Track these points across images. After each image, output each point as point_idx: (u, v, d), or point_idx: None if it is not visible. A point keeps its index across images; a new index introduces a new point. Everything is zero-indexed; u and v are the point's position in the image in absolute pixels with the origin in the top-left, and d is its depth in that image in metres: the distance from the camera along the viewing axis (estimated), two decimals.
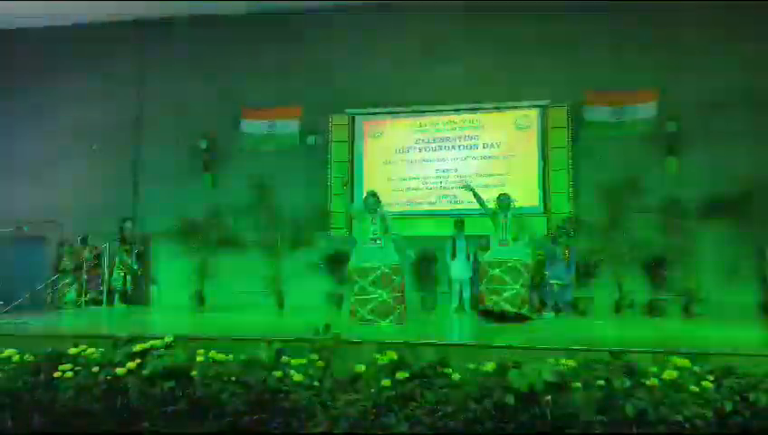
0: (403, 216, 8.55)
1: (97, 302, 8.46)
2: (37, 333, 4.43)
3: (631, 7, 8.76)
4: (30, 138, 10.17)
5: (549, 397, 2.98)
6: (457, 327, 6.09)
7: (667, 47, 8.59)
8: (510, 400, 2.97)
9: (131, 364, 3.45)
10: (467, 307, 7.74)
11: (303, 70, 9.54)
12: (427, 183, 9.28)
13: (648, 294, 8.08)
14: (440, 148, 9.34)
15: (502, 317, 5.85)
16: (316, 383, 3.24)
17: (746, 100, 8.20)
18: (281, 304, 8.84)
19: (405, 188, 9.27)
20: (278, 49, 9.67)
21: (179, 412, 3.23)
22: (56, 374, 3.47)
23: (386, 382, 3.19)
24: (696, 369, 3.19)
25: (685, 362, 3.21)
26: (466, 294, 7.84)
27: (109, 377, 3.40)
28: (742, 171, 7.91)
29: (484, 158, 9.19)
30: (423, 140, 9.40)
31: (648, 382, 3.06)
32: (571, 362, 3.26)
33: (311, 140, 9.45)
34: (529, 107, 9.12)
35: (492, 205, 6.39)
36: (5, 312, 6.69)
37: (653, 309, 7.94)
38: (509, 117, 9.21)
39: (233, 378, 3.32)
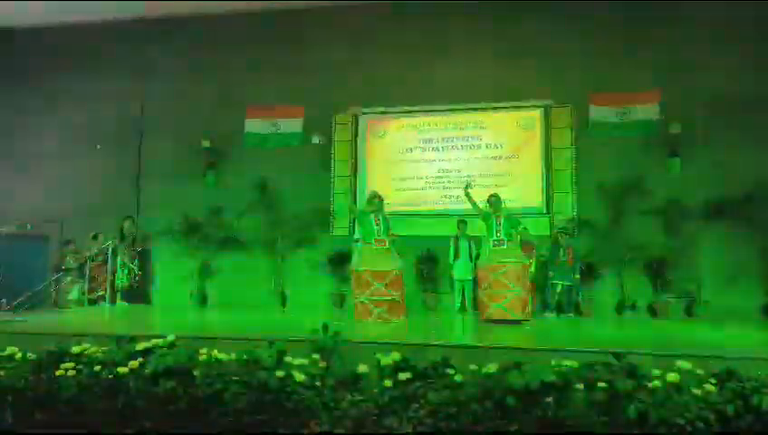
0: (405, 216, 8.56)
1: (99, 300, 8.46)
2: (39, 331, 4.44)
3: (635, 8, 8.75)
4: (33, 137, 10.20)
5: (551, 398, 2.97)
6: (459, 328, 6.08)
7: (671, 48, 8.57)
8: (512, 401, 2.97)
9: (133, 363, 3.46)
10: (470, 308, 7.73)
11: (307, 69, 9.54)
12: (429, 183, 9.27)
13: (649, 296, 8.07)
14: (443, 148, 9.33)
15: (502, 322, 5.86)
16: (318, 383, 3.24)
17: (750, 101, 8.18)
18: (283, 304, 8.86)
19: (408, 188, 9.26)
20: (281, 48, 9.67)
21: (181, 412, 3.24)
22: (58, 372, 3.48)
23: (388, 383, 3.20)
24: (699, 371, 3.19)
25: (687, 365, 3.21)
26: (469, 295, 7.83)
27: (111, 376, 3.41)
28: (745, 173, 7.90)
29: (487, 158, 9.18)
30: (426, 140, 9.39)
31: (650, 384, 3.05)
32: (573, 364, 3.25)
33: (314, 139, 9.46)
34: (532, 107, 9.11)
35: (484, 206, 6.38)
36: (7, 310, 6.70)
37: (655, 310, 7.94)
38: (512, 117, 9.20)
39: (235, 377, 3.32)
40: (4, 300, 7.16)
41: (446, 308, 8.14)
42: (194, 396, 3.27)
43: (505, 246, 6.05)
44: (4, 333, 4.34)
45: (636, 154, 8.43)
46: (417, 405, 2.99)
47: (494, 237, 6.14)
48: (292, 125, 9.62)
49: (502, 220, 6.15)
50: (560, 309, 7.33)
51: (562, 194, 8.82)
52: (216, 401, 3.23)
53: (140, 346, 3.64)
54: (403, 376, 3.23)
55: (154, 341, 3.71)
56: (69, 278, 8.60)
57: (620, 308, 8.08)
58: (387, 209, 6.35)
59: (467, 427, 2.92)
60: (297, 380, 3.25)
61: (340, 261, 8.74)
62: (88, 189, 9.72)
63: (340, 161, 9.49)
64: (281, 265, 9.02)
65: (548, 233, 8.52)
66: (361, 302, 5.80)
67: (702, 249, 7.95)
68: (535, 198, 8.90)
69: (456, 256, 7.98)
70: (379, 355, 3.44)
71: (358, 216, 6.10)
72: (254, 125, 9.68)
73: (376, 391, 3.16)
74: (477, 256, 7.67)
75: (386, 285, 5.72)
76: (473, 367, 3.29)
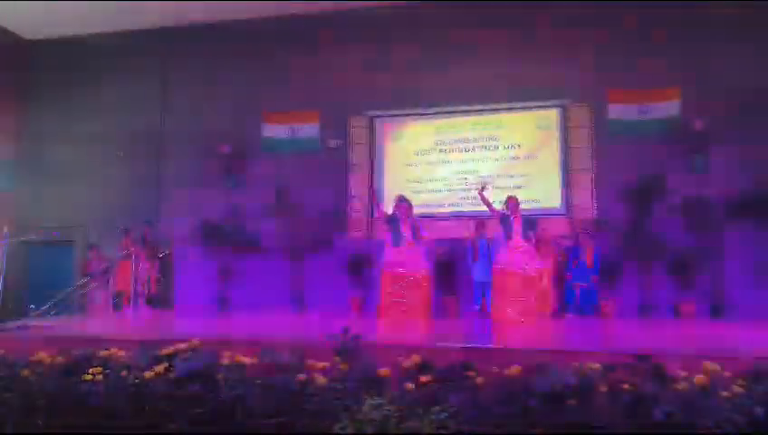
0: (423, 218, 8.54)
1: (123, 305, 8.62)
2: (67, 335, 4.53)
3: (655, 4, 8.62)
4: (57, 146, 10.41)
5: (574, 401, 2.94)
6: (480, 329, 6.06)
7: (690, 44, 8.43)
8: (534, 403, 2.94)
9: (159, 367, 3.51)
10: (489, 309, 7.68)
11: (322, 73, 9.61)
12: (447, 185, 9.25)
13: (673, 296, 7.93)
14: (460, 149, 9.30)
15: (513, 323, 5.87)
16: (339, 386, 3.25)
17: None
18: (301, 306, 8.91)
19: (425, 190, 9.25)
20: (297, 52, 9.75)
21: (205, 415, 3.28)
22: (86, 377, 3.55)
23: (409, 386, 3.19)
24: (727, 373, 3.12)
25: (714, 366, 3.15)
26: (488, 297, 7.78)
27: (137, 380, 3.46)
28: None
29: (505, 159, 9.13)
30: (443, 142, 9.38)
31: (676, 386, 3.00)
32: (597, 366, 3.21)
33: (330, 143, 9.51)
34: (550, 106, 9.03)
35: (500, 207, 6.38)
36: (36, 315, 6.86)
37: (679, 311, 7.80)
38: (530, 117, 9.13)
39: (257, 381, 3.35)
40: (32, 306, 7.33)
41: (465, 310, 8.10)
42: (217, 399, 3.31)
43: (522, 249, 6.04)
44: (34, 337, 4.44)
45: (657, 152, 8.29)
46: (438, 408, 2.98)
47: (511, 240, 6.13)
48: (309, 130, 9.69)
49: (520, 221, 6.14)
50: (580, 310, 7.25)
51: (581, 193, 8.72)
52: (239, 404, 3.26)
53: (165, 351, 3.69)
54: (424, 378, 3.23)
55: (178, 345, 3.77)
56: (93, 283, 8.77)
57: (643, 309, 7.96)
58: None
59: (490, 430, 2.90)
60: (318, 383, 3.27)
61: (357, 264, 8.77)
62: (111, 196, 9.91)
63: (356, 164, 9.52)
64: (299, 267, 9.08)
65: (567, 233, 8.44)
66: (388, 302, 5.88)
67: (727, 248, 7.79)
68: (554, 199, 8.83)
69: (475, 258, 7.96)
70: (399, 358, 3.45)
71: (387, 219, 6.19)
72: (271, 130, 9.78)
73: (397, 393, 3.16)
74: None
75: (412, 286, 5.80)
76: (495, 369, 3.28)
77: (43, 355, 3.82)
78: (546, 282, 7.14)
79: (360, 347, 3.57)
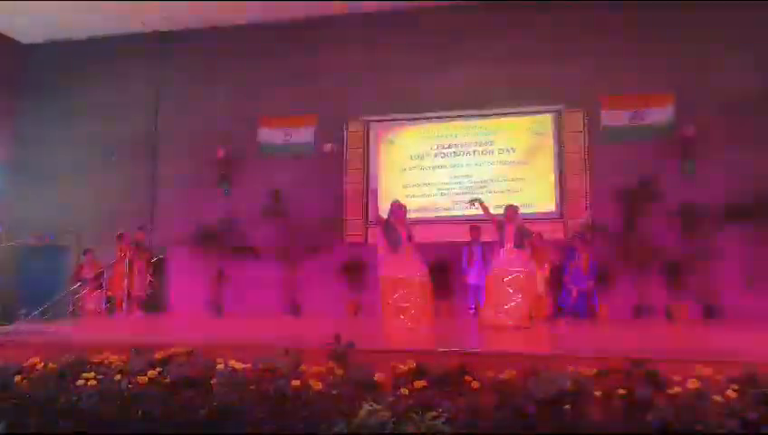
0: (418, 222, 8.55)
1: (116, 310, 8.57)
2: (60, 341, 4.50)
3: (647, 10, 8.69)
4: (50, 149, 10.37)
5: (568, 406, 2.95)
6: (475, 334, 6.06)
7: (684, 50, 8.50)
8: (529, 408, 2.95)
9: (152, 372, 3.49)
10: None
11: (318, 77, 9.62)
12: (442, 189, 9.27)
13: (667, 300, 7.98)
14: (455, 154, 9.33)
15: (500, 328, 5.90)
16: (335, 392, 3.24)
17: (764, 99, 8.09)
18: (296, 311, 8.89)
19: (420, 195, 9.26)
20: (294, 57, 9.76)
21: (200, 420, 3.26)
22: (79, 382, 3.52)
23: (404, 391, 3.19)
24: (719, 377, 3.14)
25: (707, 370, 3.16)
26: (482, 301, 7.78)
27: (130, 385, 3.44)
28: (761, 173, 7.80)
29: (500, 163, 9.16)
30: (438, 147, 9.40)
31: (670, 391, 3.01)
32: (591, 371, 3.22)
33: (326, 147, 9.50)
34: (544, 112, 9.08)
35: (496, 213, 6.45)
36: (27, 320, 6.81)
37: (672, 314, 7.84)
38: (524, 122, 9.17)
39: (252, 386, 3.34)
40: (24, 310, 7.28)
41: (459, 314, 8.10)
42: (211, 405, 3.29)
43: (514, 255, 6.11)
44: (27, 343, 4.41)
45: (650, 157, 8.35)
46: (434, 413, 2.98)
47: (504, 245, 6.21)
48: (305, 134, 9.69)
49: (514, 228, 6.21)
50: (575, 314, 7.27)
51: (576, 198, 8.76)
52: (233, 409, 3.25)
53: (159, 356, 3.67)
54: (419, 384, 3.23)
55: (172, 350, 3.75)
56: (86, 288, 8.72)
57: (637, 312, 7.99)
58: None
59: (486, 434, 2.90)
60: (313, 388, 3.26)
61: (353, 268, 8.77)
62: (105, 200, 9.87)
63: (352, 169, 9.53)
64: (294, 272, 9.06)
65: (562, 238, 8.48)
66: (388, 308, 5.90)
67: (719, 251, 7.84)
68: (548, 203, 8.86)
69: (470, 262, 7.97)
70: (394, 363, 3.44)
71: (384, 225, 6.23)
72: (266, 135, 9.78)
73: (392, 399, 3.15)
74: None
75: (411, 291, 5.83)
76: (490, 374, 3.28)
77: (35, 360, 3.79)
78: (542, 286, 7.16)
79: (355, 352, 3.57)
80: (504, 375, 3.21)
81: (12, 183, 10.29)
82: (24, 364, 3.76)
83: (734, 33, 8.37)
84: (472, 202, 6.47)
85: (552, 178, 8.94)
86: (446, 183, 9.27)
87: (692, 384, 3.03)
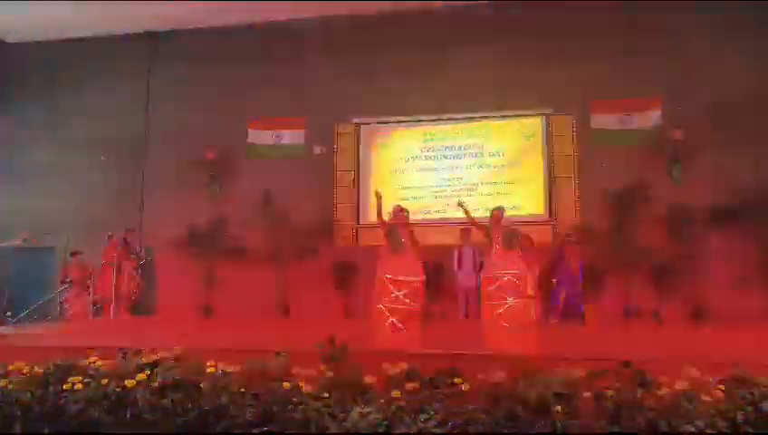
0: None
1: (104, 312, 8.49)
2: (46, 344, 4.44)
3: (634, 14, 8.79)
4: (37, 150, 10.26)
5: (559, 407, 2.96)
6: (466, 337, 6.07)
7: (671, 53, 8.62)
8: (520, 410, 2.96)
9: (141, 376, 3.45)
10: (474, 316, 7.71)
11: (308, 80, 9.61)
12: (432, 192, 9.29)
13: (655, 302, 8.05)
14: (446, 156, 9.36)
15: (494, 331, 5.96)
16: (325, 395, 3.23)
17: (751, 104, 8.21)
18: (287, 314, 8.85)
19: (411, 197, 9.26)
20: (285, 60, 9.74)
21: (189, 424, 3.23)
22: (66, 386, 3.47)
23: (396, 393, 3.18)
24: (707, 378, 3.17)
25: (695, 371, 3.19)
26: (473, 303, 7.81)
27: (118, 389, 3.40)
28: (748, 177, 7.90)
29: (490, 166, 9.20)
30: (429, 149, 9.43)
31: (659, 392, 3.03)
32: (581, 372, 3.24)
33: (316, 149, 9.51)
34: (534, 115, 9.14)
35: (483, 216, 6.52)
36: (13, 323, 6.72)
37: (660, 316, 7.92)
38: (514, 125, 9.23)
39: (242, 389, 3.31)
40: (9, 313, 7.18)
41: (450, 317, 8.11)
42: (201, 408, 3.26)
43: (503, 258, 6.17)
44: (12, 346, 4.34)
45: (639, 161, 8.44)
46: (425, 416, 2.98)
47: (494, 250, 6.26)
48: (295, 136, 9.67)
49: (502, 231, 6.27)
50: (564, 316, 7.31)
51: (565, 201, 8.82)
52: (224, 413, 3.22)
53: (147, 359, 3.63)
54: (410, 386, 3.23)
55: (160, 353, 3.71)
56: (74, 290, 8.62)
57: (626, 314, 8.05)
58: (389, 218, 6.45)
59: None
60: (304, 391, 3.25)
61: (343, 271, 8.75)
62: (92, 202, 9.77)
63: (342, 171, 9.51)
64: (284, 274, 9.02)
65: (551, 240, 8.54)
66: (379, 308, 5.95)
67: (707, 254, 7.93)
68: (538, 206, 8.91)
69: (460, 264, 7.98)
70: (385, 365, 3.44)
71: (386, 227, 6.31)
72: (256, 136, 9.74)
73: (383, 401, 3.15)
74: (481, 265, 7.69)
75: (405, 293, 5.89)
76: (480, 376, 3.28)
77: (20, 364, 3.74)
78: (531, 289, 7.20)
79: (346, 355, 3.55)
80: (495, 377, 3.21)
81: None
82: (9, 368, 3.71)
83: (721, 36, 8.49)
84: (460, 204, 6.55)
85: (541, 181, 8.99)
86: (437, 186, 9.29)
87: (680, 385, 3.06)
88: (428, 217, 9.12)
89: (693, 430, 2.84)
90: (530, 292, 7.03)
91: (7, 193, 10.15)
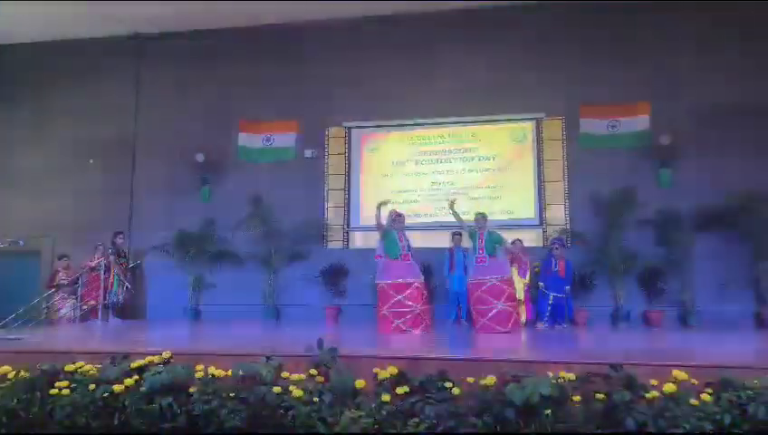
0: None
1: (92, 316, 8.39)
2: (33, 349, 4.38)
3: (623, 19, 8.88)
4: (24, 152, 10.15)
5: (548, 411, 2.98)
6: (456, 340, 6.08)
7: (659, 59, 8.72)
8: (510, 414, 2.97)
9: (129, 381, 3.43)
10: (465, 320, 7.73)
11: (300, 83, 9.60)
12: (423, 196, 9.31)
13: (643, 306, 8.11)
14: (437, 160, 9.38)
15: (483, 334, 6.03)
16: (316, 399, 3.22)
17: (738, 110, 8.32)
18: (277, 318, 8.82)
19: (402, 201, 9.27)
20: (276, 63, 9.72)
21: (178, 429, 3.21)
22: (53, 391, 3.44)
23: (386, 397, 3.19)
24: (695, 381, 3.20)
25: (683, 375, 3.22)
26: (464, 307, 7.82)
27: (106, 394, 3.37)
28: (735, 182, 8.00)
29: (480, 170, 9.23)
30: (419, 153, 9.45)
31: (647, 395, 3.06)
32: (570, 376, 3.26)
33: (307, 153, 9.49)
34: (524, 120, 9.19)
35: (469, 220, 6.75)
36: (0, 327, 6.63)
37: (649, 320, 7.98)
38: (505, 130, 9.27)
39: (231, 394, 3.30)
40: None
41: (441, 320, 8.11)
42: (190, 413, 3.24)
43: (487, 263, 6.28)
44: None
45: (627, 165, 8.52)
46: (416, 420, 2.98)
47: (477, 254, 6.31)
48: (286, 139, 9.65)
49: (484, 236, 6.36)
50: (553, 320, 7.34)
51: (555, 205, 8.88)
52: (213, 417, 3.20)
53: (135, 363, 3.61)
54: (401, 390, 3.23)
55: (149, 358, 3.68)
56: (61, 294, 8.52)
57: (615, 318, 8.11)
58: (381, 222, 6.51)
59: None
60: (295, 395, 3.24)
61: (333, 274, 8.73)
62: (81, 205, 9.67)
63: (333, 175, 9.51)
64: (274, 278, 8.99)
65: (541, 244, 8.59)
66: (384, 314, 6.02)
67: (694, 258, 8.00)
68: (528, 210, 8.96)
69: (452, 268, 8.01)
70: (376, 369, 3.44)
71: (383, 234, 6.42)
72: (246, 139, 9.70)
73: (374, 405, 3.15)
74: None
75: (407, 296, 6.04)
76: (470, 380, 3.29)
77: (6, 369, 3.69)
78: (520, 293, 7.24)
79: (336, 359, 3.55)
80: (485, 381, 3.23)
81: None
82: None
83: (707, 42, 8.60)
84: (451, 203, 6.60)
85: (531, 185, 9.04)
86: (428, 189, 9.31)
87: (669, 388, 3.09)
88: (419, 220, 9.12)
89: (681, 432, 2.86)
90: (518, 296, 7.08)
91: None
